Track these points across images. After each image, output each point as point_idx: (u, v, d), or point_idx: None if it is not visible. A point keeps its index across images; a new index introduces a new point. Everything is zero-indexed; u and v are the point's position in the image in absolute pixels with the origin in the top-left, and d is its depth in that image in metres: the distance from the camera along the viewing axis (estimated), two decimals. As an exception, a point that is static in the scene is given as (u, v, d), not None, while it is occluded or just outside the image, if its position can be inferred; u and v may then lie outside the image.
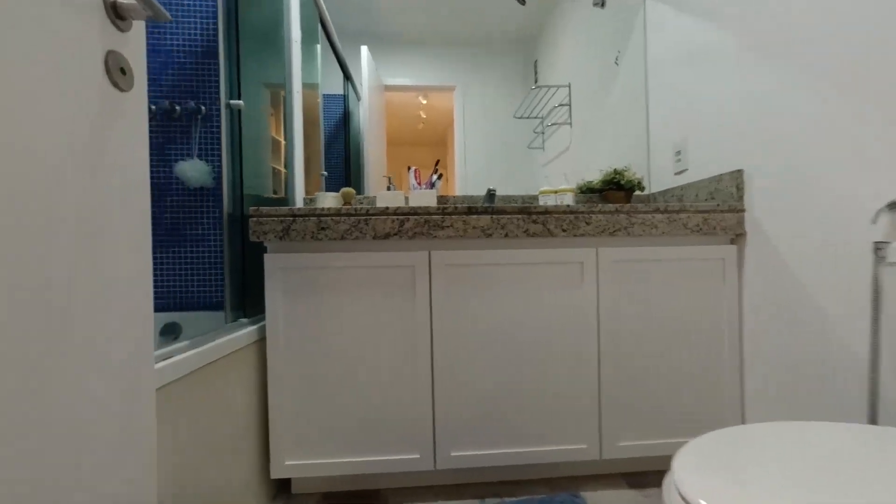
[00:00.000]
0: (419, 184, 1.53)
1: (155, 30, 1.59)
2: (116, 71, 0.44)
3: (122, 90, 0.45)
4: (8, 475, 0.35)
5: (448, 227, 1.11)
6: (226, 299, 1.07)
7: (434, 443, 1.12)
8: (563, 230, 1.14)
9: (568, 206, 1.14)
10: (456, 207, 1.11)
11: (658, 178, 1.64)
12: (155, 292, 1.53)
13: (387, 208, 1.09)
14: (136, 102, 0.48)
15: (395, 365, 1.12)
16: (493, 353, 1.14)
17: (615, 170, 1.53)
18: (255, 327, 1.08)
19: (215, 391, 0.89)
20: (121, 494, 0.47)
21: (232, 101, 1.10)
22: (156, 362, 0.69)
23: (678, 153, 1.48)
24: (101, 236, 0.44)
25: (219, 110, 1.53)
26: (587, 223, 1.14)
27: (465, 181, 1.76)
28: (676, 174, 1.51)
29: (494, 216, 1.12)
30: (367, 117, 1.76)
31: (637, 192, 1.65)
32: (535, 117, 1.79)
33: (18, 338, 0.35)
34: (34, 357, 0.37)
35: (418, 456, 1.11)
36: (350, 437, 1.11)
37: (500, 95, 1.78)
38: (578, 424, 1.16)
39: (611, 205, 1.15)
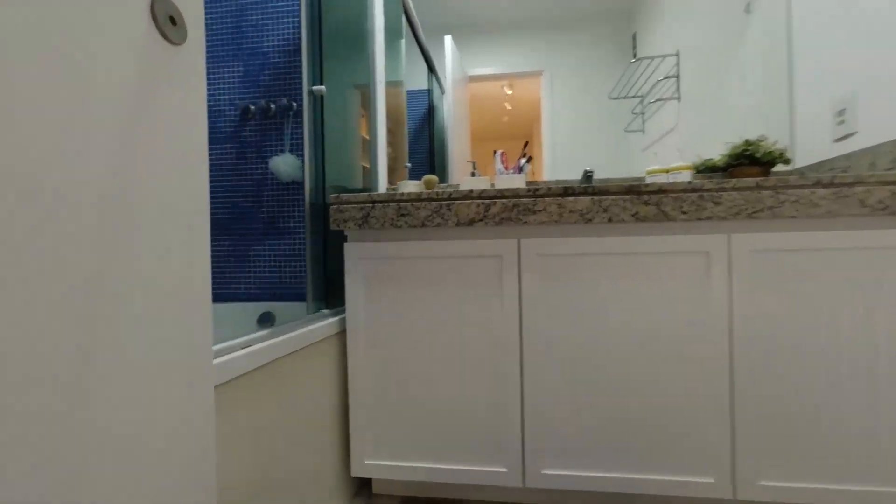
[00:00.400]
0: (506, 168, 1.40)
1: (254, 34, 1.68)
2: (164, 19, 0.39)
3: (172, 43, 0.40)
4: (45, 482, 0.30)
5: (540, 211, 0.97)
6: (307, 290, 1.06)
7: (523, 457, 0.99)
8: (684, 212, 0.93)
9: (689, 182, 0.93)
10: (550, 189, 0.97)
11: (806, 149, 1.31)
12: (252, 283, 1.62)
13: (471, 191, 0.98)
14: (191, 59, 0.43)
15: (480, 366, 1.01)
16: (593, 357, 0.97)
17: (747, 141, 1.25)
18: (336, 319, 1.05)
19: (294, 383, 0.86)
20: (175, 495, 0.42)
21: (314, 87, 1.08)
22: (229, 353, 0.66)
23: (840, 113, 1.15)
24: (143, 219, 0.38)
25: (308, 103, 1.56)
26: (716, 203, 0.92)
27: (554, 172, 1.59)
28: (837, 141, 1.18)
29: (596, 197, 0.95)
30: (452, 109, 1.68)
31: (778, 168, 1.34)
32: (634, 96, 1.55)
33: (44, 336, 0.30)
34: (64, 357, 0.32)
35: (505, 470, 0.99)
36: (431, 441, 1.02)
37: (593, 76, 1.57)
38: (702, 453, 0.94)
39: (750, 179, 0.91)
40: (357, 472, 1.04)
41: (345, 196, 1.04)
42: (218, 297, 1.63)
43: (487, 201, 0.98)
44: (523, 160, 1.40)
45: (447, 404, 1.02)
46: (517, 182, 1.27)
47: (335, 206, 1.05)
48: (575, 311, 0.97)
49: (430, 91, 1.80)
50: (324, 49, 1.24)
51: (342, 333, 1.08)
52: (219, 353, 0.63)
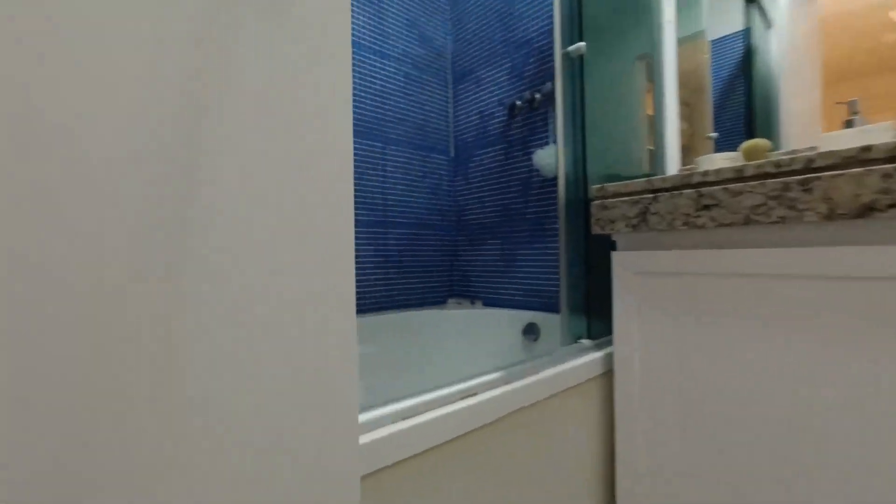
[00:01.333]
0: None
1: (517, 24, 1.58)
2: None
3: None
4: None
5: None
6: (562, 312, 0.82)
7: None
8: None
9: None
10: None
11: None
12: (517, 289, 1.52)
13: (868, 147, 0.50)
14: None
15: (867, 475, 0.50)
16: None
17: None
18: (599, 354, 0.77)
19: (531, 446, 0.64)
20: None
21: (569, 48, 0.83)
22: (441, 407, 0.50)
23: None
24: (218, 219, 0.25)
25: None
26: None
27: None
28: None
29: None
30: (789, 41, 1.07)
31: None
32: None
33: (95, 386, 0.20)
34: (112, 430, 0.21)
35: None
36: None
37: None
38: None
39: None
40: (631, 578, 0.73)
41: (611, 186, 0.75)
42: (487, 303, 1.63)
43: (914, 166, 0.47)
44: None
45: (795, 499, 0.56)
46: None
47: (598, 202, 0.77)
48: None
49: (746, 31, 1.22)
50: (584, 16, 0.96)
51: (608, 374, 0.79)
52: (411, 413, 0.48)
